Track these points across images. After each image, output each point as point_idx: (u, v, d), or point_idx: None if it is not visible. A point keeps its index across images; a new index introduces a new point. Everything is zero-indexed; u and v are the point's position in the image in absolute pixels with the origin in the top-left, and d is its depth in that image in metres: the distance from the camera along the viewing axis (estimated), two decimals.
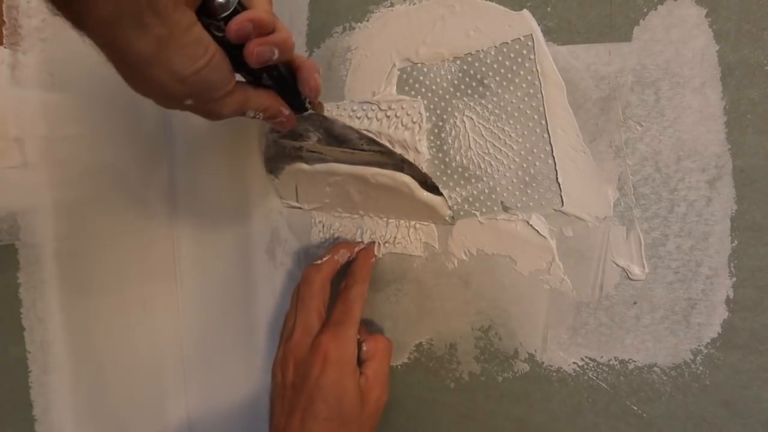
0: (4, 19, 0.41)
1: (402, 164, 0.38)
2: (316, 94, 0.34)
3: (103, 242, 0.46)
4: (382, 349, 0.37)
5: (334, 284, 0.39)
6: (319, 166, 0.40)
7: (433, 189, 0.38)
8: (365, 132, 0.38)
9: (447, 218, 0.39)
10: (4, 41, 0.41)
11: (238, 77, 0.31)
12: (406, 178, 0.37)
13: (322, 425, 0.33)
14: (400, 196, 0.38)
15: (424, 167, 0.38)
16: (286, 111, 0.34)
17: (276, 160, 0.43)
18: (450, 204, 0.39)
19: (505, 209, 0.37)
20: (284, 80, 0.33)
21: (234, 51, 0.29)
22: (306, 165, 0.41)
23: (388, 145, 0.38)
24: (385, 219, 0.41)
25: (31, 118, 0.42)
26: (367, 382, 0.36)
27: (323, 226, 0.44)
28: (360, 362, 0.37)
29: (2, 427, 0.42)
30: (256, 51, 0.29)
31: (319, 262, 0.39)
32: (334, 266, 0.39)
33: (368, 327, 0.43)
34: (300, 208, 0.44)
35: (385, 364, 0.37)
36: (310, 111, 0.36)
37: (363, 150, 0.38)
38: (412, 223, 0.41)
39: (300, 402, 0.34)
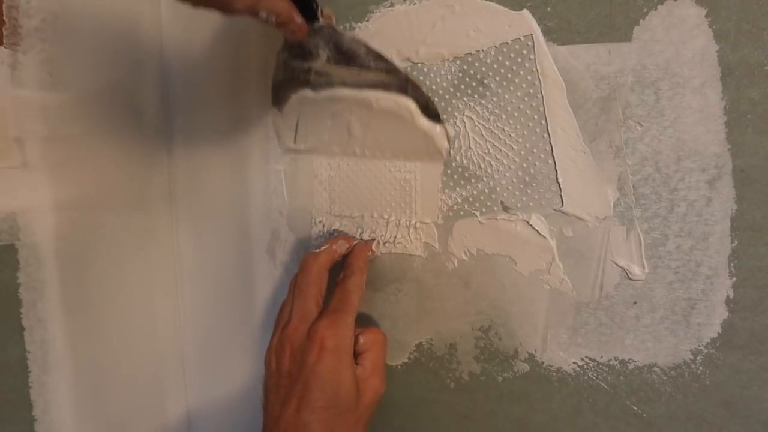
0: (4, 19, 0.41)
1: (406, 84, 0.38)
2: None
3: (103, 242, 0.46)
4: (379, 341, 0.37)
5: (332, 276, 0.39)
6: (324, 93, 0.40)
7: (435, 117, 0.38)
8: (373, 47, 0.38)
9: (443, 152, 0.38)
10: (4, 41, 0.41)
11: None
12: (410, 103, 0.38)
13: (318, 414, 0.33)
14: (400, 125, 0.38)
15: None
16: (298, 19, 0.35)
17: (283, 87, 0.43)
18: (450, 204, 0.39)
19: (505, 209, 0.37)
20: None
21: None
22: (312, 92, 0.41)
23: (393, 63, 0.38)
24: (379, 158, 0.41)
25: (31, 118, 0.42)
26: (364, 372, 0.36)
27: (323, 226, 0.44)
28: (356, 354, 0.36)
29: (2, 427, 0.42)
30: None
31: (317, 250, 0.39)
32: (332, 256, 0.39)
33: (365, 324, 0.43)
34: (296, 150, 0.44)
35: (382, 356, 0.37)
36: (320, 23, 0.37)
37: (369, 68, 0.38)
38: (413, 222, 0.41)
39: (296, 390, 0.34)
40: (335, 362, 0.34)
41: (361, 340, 0.37)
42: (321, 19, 0.37)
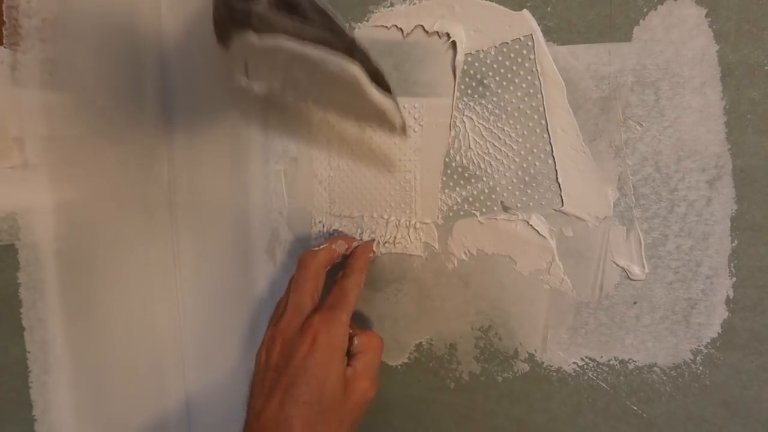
0: (4, 19, 0.41)
1: (353, 50, 0.34)
2: None
3: (103, 242, 0.46)
4: (374, 345, 0.37)
5: (331, 277, 0.39)
6: (267, 40, 0.35)
7: (385, 89, 0.35)
8: (317, 1, 0.34)
9: (398, 126, 0.35)
10: (4, 41, 0.41)
11: None
12: (356, 71, 0.33)
13: (302, 409, 0.32)
14: (349, 90, 0.35)
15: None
16: None
17: (225, 25, 0.38)
18: (449, 204, 0.39)
19: (505, 209, 0.37)
20: None
21: None
22: (255, 36, 0.36)
23: (338, 22, 0.34)
24: (333, 116, 0.38)
25: (31, 118, 0.42)
26: (354, 373, 0.35)
27: (323, 226, 0.44)
28: (350, 355, 0.36)
29: (2, 427, 0.42)
30: None
31: (316, 248, 0.39)
32: (331, 255, 0.39)
33: (363, 324, 0.43)
34: (252, 89, 0.40)
35: (376, 360, 0.37)
36: None
37: (314, 22, 0.34)
38: (413, 222, 0.41)
39: (281, 384, 0.33)
40: (325, 357, 0.33)
41: (356, 341, 0.36)
42: None
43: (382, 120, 0.36)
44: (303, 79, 0.37)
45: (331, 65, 0.34)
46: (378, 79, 0.34)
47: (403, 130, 0.36)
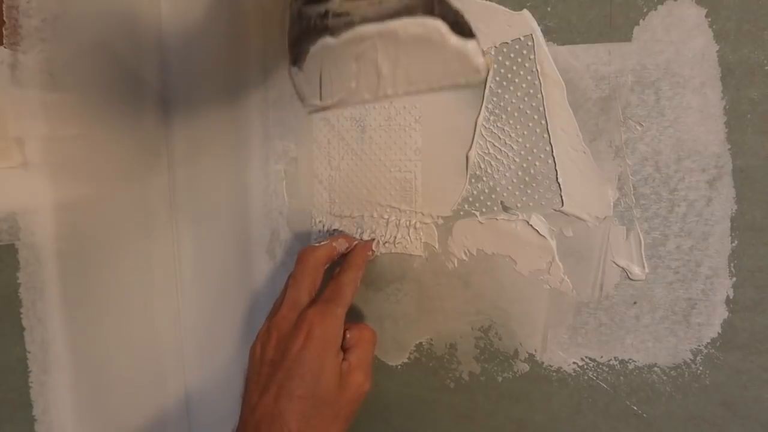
0: (4, 19, 0.41)
1: (432, 2, 0.36)
2: None
3: (103, 242, 0.46)
4: (366, 338, 0.37)
5: (329, 273, 0.39)
6: (345, 35, 0.39)
7: (467, 32, 0.37)
8: None
9: (481, 69, 0.37)
10: (4, 41, 0.41)
11: None
12: (438, 23, 0.36)
13: (296, 403, 0.32)
14: (431, 50, 0.37)
15: None
16: None
17: (300, 40, 0.41)
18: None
19: (505, 209, 0.38)
20: None
21: None
22: (332, 38, 0.39)
23: None
24: (413, 94, 0.40)
25: (31, 118, 0.42)
26: (349, 367, 0.35)
27: (323, 226, 0.44)
28: (344, 349, 0.36)
29: (2, 427, 0.42)
30: None
31: (317, 244, 0.39)
32: (331, 252, 0.39)
33: (362, 323, 0.43)
34: (324, 107, 0.43)
35: (369, 353, 0.37)
36: None
37: None
38: (413, 222, 0.41)
39: (276, 378, 0.33)
40: (320, 350, 0.33)
41: (348, 335, 0.36)
42: None
43: (464, 68, 0.37)
44: (381, 61, 0.39)
45: (412, 28, 0.36)
46: (459, 23, 0.36)
47: (486, 68, 0.37)
